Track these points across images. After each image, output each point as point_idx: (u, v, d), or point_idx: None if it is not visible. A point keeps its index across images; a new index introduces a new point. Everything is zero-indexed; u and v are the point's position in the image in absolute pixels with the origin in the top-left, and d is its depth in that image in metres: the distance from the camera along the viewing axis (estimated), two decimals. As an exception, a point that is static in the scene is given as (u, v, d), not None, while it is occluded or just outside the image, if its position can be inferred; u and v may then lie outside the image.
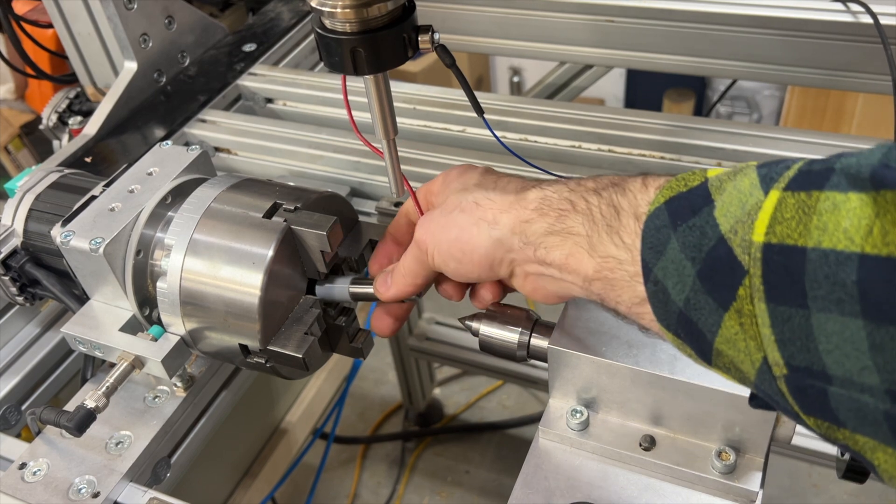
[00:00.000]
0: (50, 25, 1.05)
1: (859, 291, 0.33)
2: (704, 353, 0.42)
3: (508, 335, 0.59)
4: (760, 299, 0.37)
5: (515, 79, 2.82)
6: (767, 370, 0.38)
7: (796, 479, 1.74)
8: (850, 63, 0.91)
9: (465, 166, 0.61)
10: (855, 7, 0.88)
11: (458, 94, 0.97)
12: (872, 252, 0.32)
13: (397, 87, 0.98)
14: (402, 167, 0.62)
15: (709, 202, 0.41)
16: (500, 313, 0.60)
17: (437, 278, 0.61)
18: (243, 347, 0.60)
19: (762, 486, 0.54)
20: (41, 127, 1.11)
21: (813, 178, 0.36)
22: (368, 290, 0.63)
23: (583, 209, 0.48)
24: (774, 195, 0.37)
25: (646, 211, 0.44)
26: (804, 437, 1.21)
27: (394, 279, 0.60)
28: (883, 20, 0.84)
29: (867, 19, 0.86)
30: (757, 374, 0.39)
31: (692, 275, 0.40)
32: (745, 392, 0.50)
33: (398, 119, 0.59)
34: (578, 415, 0.59)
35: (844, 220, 0.33)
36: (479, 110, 0.60)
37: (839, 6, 0.89)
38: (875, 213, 0.32)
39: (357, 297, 0.64)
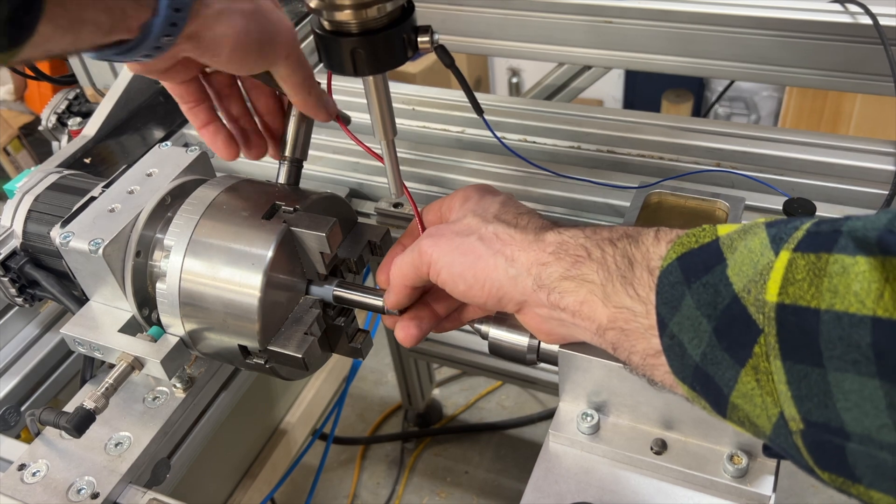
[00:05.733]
0: (49, 26, 1.04)
1: (875, 353, 0.34)
2: (720, 406, 0.43)
3: (518, 338, 0.59)
4: (776, 357, 0.38)
5: (514, 80, 2.81)
6: (784, 425, 0.39)
7: (795, 479, 1.74)
8: (848, 64, 0.91)
9: (484, 188, 0.60)
10: (853, 8, 0.88)
11: (457, 95, 0.97)
12: (885, 316, 0.33)
13: (396, 88, 0.98)
14: (401, 168, 0.62)
15: (721, 260, 0.42)
16: (509, 316, 0.59)
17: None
18: (243, 348, 0.60)
19: (775, 489, 0.53)
20: (40, 128, 1.11)
21: (821, 239, 0.37)
22: (353, 296, 0.62)
23: (597, 257, 0.48)
24: (785, 256, 0.38)
25: (658, 265, 0.45)
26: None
27: (391, 286, 0.59)
28: (882, 21, 0.84)
29: (865, 20, 0.86)
30: (773, 429, 0.40)
31: (708, 331, 0.41)
32: None
33: (397, 120, 0.59)
34: (589, 418, 0.58)
35: (854, 284, 0.35)
36: (479, 110, 0.60)
37: (837, 7, 0.89)
38: (885, 279, 0.34)
39: (341, 301, 0.63)
